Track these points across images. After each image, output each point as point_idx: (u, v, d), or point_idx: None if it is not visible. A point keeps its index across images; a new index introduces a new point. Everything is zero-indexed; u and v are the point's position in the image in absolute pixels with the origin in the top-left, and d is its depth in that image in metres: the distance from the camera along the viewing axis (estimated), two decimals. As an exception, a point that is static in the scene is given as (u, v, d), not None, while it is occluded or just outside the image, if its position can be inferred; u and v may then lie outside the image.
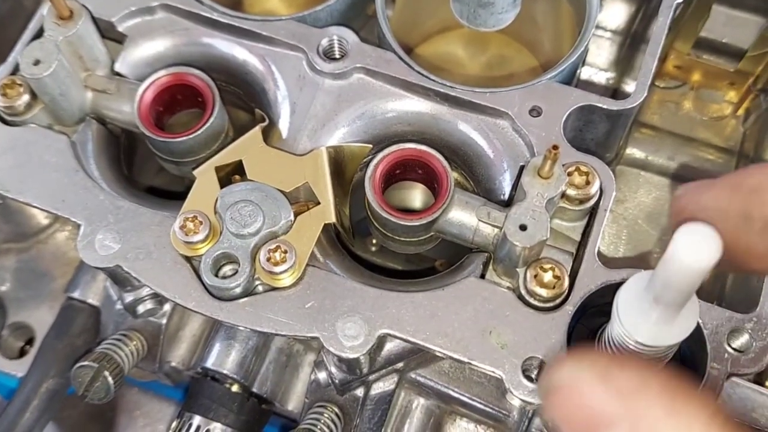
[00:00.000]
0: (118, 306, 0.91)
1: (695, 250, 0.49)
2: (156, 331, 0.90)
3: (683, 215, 0.55)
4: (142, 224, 0.79)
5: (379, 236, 0.86)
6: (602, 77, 1.12)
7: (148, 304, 0.89)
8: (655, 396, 0.45)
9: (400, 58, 0.86)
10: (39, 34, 0.86)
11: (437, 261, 0.98)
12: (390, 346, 0.85)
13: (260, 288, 0.77)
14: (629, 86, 1.09)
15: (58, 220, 1.02)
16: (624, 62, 1.09)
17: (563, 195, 0.78)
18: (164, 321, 0.91)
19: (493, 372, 0.74)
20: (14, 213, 0.98)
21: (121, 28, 0.89)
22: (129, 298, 0.88)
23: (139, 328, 0.90)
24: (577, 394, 0.48)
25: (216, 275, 0.76)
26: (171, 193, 0.92)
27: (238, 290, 0.76)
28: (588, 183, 0.79)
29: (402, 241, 0.84)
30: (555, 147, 0.72)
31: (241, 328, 0.76)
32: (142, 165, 0.95)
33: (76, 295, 0.93)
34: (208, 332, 0.94)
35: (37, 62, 0.80)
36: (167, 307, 0.91)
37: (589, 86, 1.10)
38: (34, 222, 1.02)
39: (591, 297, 0.77)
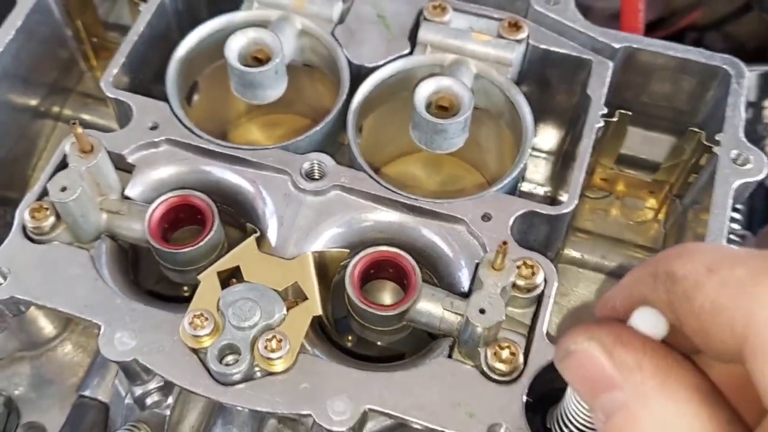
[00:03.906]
0: (127, 401, 1.00)
1: (650, 324, 0.56)
2: (161, 421, 0.99)
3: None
4: (155, 323, 0.89)
5: (358, 327, 0.97)
6: (540, 191, 1.25)
7: (155, 396, 0.98)
8: (650, 374, 0.53)
9: (371, 177, 1.00)
10: (61, 164, 0.97)
11: (407, 355, 1.08)
12: (371, 425, 0.95)
13: (258, 373, 0.87)
14: (563, 197, 1.21)
15: (65, 329, 1.13)
16: (558, 178, 1.21)
17: (514, 285, 0.91)
18: (168, 412, 0.99)
19: (463, 438, 0.85)
20: (27, 324, 1.07)
21: (130, 160, 1.01)
22: (138, 391, 0.97)
23: (146, 420, 0.99)
24: (587, 361, 0.56)
25: (220, 363, 0.86)
26: (170, 298, 1.04)
27: (239, 376, 0.85)
28: (534, 274, 0.92)
29: (378, 330, 0.95)
30: (504, 243, 0.86)
31: (241, 408, 0.87)
32: (145, 275, 1.06)
33: (87, 393, 1.02)
34: (205, 425, 1.03)
35: (63, 189, 0.90)
36: (170, 399, 1.00)
37: (529, 198, 1.22)
38: (45, 333, 1.11)
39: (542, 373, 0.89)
